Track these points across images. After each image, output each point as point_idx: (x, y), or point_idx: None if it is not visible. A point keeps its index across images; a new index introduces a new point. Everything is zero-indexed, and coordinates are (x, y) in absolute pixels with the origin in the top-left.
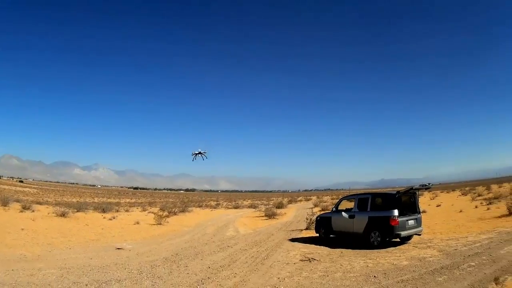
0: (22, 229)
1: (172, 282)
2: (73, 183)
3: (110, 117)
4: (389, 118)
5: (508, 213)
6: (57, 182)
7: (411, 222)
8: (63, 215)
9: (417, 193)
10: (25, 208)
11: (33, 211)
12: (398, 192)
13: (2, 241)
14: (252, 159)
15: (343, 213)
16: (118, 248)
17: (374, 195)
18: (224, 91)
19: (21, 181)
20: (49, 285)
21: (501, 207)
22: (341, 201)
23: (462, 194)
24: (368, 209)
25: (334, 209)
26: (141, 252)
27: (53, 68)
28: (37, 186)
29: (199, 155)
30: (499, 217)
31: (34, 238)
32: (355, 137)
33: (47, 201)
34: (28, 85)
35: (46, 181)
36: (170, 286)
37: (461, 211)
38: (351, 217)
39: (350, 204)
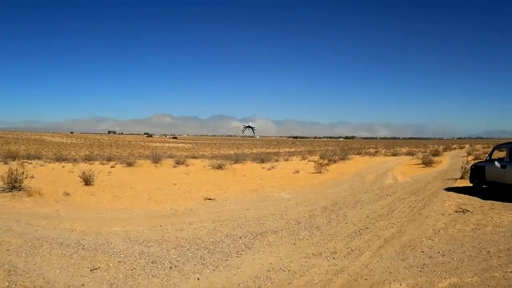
0: (175, 184)
1: (329, 232)
2: (231, 135)
3: (266, 68)
4: None
5: None
6: (214, 135)
7: None
8: (219, 167)
9: None
10: (178, 163)
11: (187, 165)
12: None
13: (152, 197)
14: (408, 105)
15: (496, 162)
16: (278, 198)
17: None
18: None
19: (175, 137)
20: (199, 239)
21: None
22: (494, 149)
23: None
24: None
25: (488, 157)
26: (300, 202)
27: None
28: (191, 141)
29: (249, 128)
30: None
31: (187, 192)
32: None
33: (202, 154)
34: (177, 43)
35: (202, 135)
36: (327, 237)
37: None
38: (503, 167)
39: (503, 154)
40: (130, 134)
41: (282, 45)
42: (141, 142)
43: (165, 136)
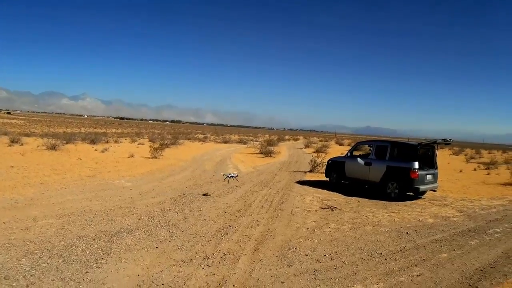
0: (12, 166)
1: (191, 231)
2: (60, 113)
3: (99, 44)
4: (380, 65)
5: None
6: (44, 112)
7: (429, 177)
8: (53, 148)
9: (435, 147)
10: (13, 141)
11: (21, 144)
12: (420, 143)
13: None
14: (237, 94)
15: (358, 159)
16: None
17: (394, 143)
18: (212, 22)
19: (9, 113)
20: (49, 242)
21: (501, 174)
22: (356, 146)
23: (453, 154)
24: (387, 158)
25: (348, 154)
26: (144, 191)
27: None
28: (24, 118)
29: (231, 177)
30: (503, 184)
31: (25, 177)
32: (343, 80)
33: (34, 132)
34: (15, 12)
35: (34, 112)
36: (191, 237)
37: (461, 171)
38: (367, 164)
39: (365, 151)
40: None
41: (113, 25)
42: None
43: (0, 111)
